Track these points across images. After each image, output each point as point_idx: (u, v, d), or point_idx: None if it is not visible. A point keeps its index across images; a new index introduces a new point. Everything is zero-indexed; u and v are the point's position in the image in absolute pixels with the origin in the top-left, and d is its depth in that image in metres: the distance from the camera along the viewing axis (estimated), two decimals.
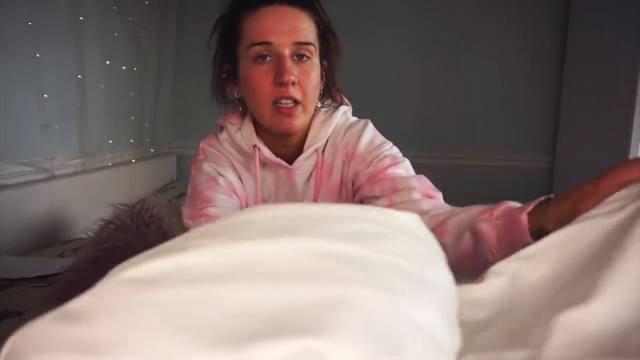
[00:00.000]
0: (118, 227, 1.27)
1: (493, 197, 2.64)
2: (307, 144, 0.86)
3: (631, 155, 1.72)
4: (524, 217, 0.54)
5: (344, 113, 0.91)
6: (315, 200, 0.88)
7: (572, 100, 2.24)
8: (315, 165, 0.87)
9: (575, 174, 2.17)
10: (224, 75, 0.87)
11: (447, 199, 2.68)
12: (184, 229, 0.82)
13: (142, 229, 1.28)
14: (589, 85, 2.05)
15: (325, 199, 0.88)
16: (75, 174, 1.89)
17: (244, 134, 0.86)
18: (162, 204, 1.86)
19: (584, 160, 2.08)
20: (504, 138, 2.43)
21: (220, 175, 0.86)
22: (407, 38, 2.40)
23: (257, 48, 0.77)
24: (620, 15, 1.80)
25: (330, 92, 0.89)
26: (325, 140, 0.87)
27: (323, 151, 0.88)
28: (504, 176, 2.43)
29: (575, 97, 2.20)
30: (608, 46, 1.89)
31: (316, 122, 0.86)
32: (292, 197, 0.88)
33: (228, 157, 0.88)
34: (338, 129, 0.89)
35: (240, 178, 0.88)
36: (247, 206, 0.88)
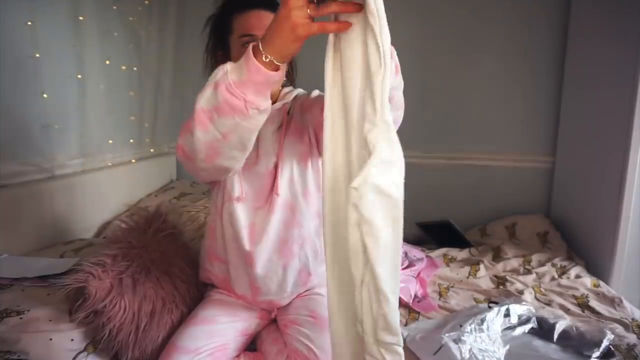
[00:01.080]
0: (132, 228, 1.33)
1: (493, 197, 2.66)
2: (277, 102, 1.19)
3: (631, 156, 1.72)
4: None
5: (298, 91, 1.28)
6: (282, 139, 1.20)
7: (572, 100, 2.24)
8: (282, 119, 1.21)
9: (575, 174, 2.18)
10: (219, 59, 1.17)
11: (447, 198, 2.72)
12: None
13: (157, 233, 1.34)
14: (589, 85, 2.05)
15: (291, 140, 1.21)
16: (75, 174, 1.89)
17: None
18: (178, 211, 1.90)
19: (584, 160, 2.08)
20: (504, 138, 2.43)
21: None
22: (408, 37, 2.40)
23: (245, 38, 1.09)
24: (620, 16, 1.80)
25: (291, 68, 1.28)
26: (289, 102, 1.21)
27: (288, 112, 1.22)
28: (504, 176, 2.43)
29: (575, 97, 2.20)
30: (608, 46, 1.89)
31: (283, 92, 1.24)
32: (260, 140, 1.18)
33: None
34: (299, 99, 1.25)
35: None
36: None
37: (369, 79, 0.69)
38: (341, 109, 0.74)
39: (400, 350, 0.79)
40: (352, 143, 0.72)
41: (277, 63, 0.78)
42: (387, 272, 0.72)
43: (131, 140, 2.30)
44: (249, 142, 0.91)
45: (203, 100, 0.84)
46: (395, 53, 0.90)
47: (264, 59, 0.78)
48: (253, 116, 0.84)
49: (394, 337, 0.76)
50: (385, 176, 0.68)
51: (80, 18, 1.85)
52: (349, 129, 0.73)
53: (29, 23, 1.62)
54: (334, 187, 0.76)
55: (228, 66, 0.81)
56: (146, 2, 2.27)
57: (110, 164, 2.11)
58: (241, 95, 0.80)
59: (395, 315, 0.75)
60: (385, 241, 0.70)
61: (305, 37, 0.75)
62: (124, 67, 2.17)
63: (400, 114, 0.98)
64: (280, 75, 0.81)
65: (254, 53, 0.78)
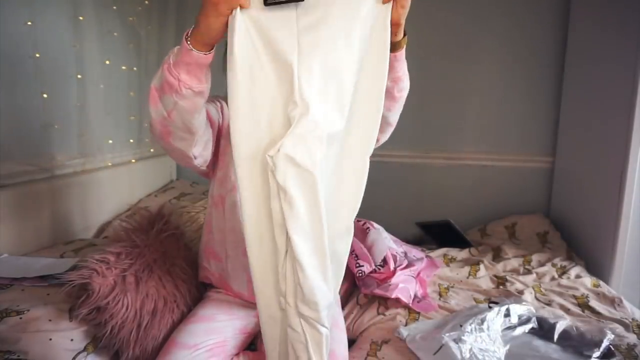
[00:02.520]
0: (135, 228, 1.34)
1: (493, 197, 2.65)
2: None
3: (631, 156, 1.72)
4: None
5: None
6: None
7: (572, 100, 2.24)
8: None
9: (575, 174, 2.18)
10: None
11: (447, 198, 2.71)
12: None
13: (160, 234, 1.35)
14: (589, 85, 2.05)
15: None
16: (75, 174, 1.89)
17: None
18: (178, 212, 1.91)
19: (584, 160, 2.08)
20: (504, 138, 2.44)
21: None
22: (407, 38, 2.40)
23: None
24: (620, 15, 1.80)
25: None
26: None
27: None
28: (503, 176, 2.43)
29: (575, 97, 2.20)
30: (608, 46, 1.89)
31: None
32: None
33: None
34: None
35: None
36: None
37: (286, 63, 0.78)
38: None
39: (322, 329, 0.80)
40: (274, 119, 0.80)
41: (199, 48, 0.83)
42: (304, 244, 0.77)
43: (131, 140, 2.30)
44: (191, 124, 0.96)
45: (155, 79, 0.91)
46: (408, 84, 1.07)
47: (188, 41, 0.83)
48: (188, 96, 0.88)
49: (313, 312, 0.79)
50: (298, 148, 0.75)
51: (80, 18, 1.85)
52: (273, 107, 0.80)
53: (29, 23, 1.62)
54: (249, 155, 0.81)
55: (175, 48, 0.87)
56: (146, 2, 2.27)
57: (110, 164, 2.11)
58: (176, 75, 0.86)
59: (311, 289, 0.78)
60: (300, 211, 0.76)
61: (227, 12, 0.78)
62: (124, 67, 2.17)
63: (390, 129, 1.18)
64: (209, 58, 0.86)
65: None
